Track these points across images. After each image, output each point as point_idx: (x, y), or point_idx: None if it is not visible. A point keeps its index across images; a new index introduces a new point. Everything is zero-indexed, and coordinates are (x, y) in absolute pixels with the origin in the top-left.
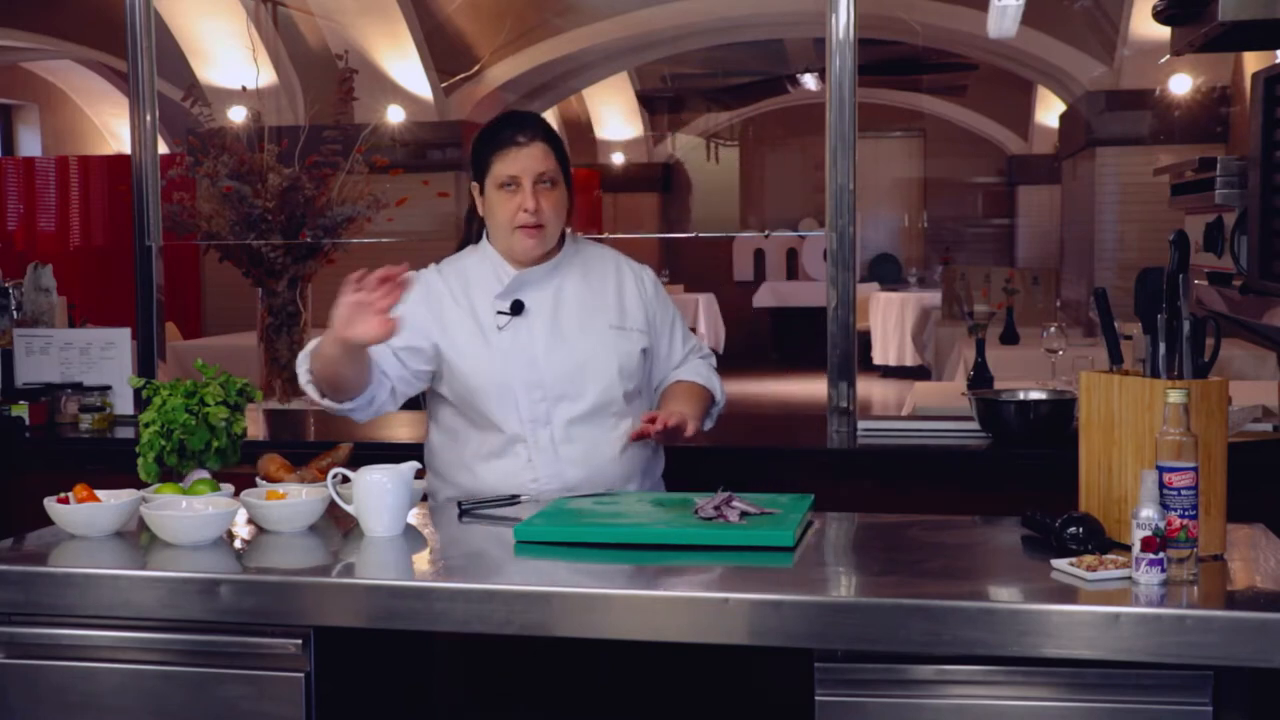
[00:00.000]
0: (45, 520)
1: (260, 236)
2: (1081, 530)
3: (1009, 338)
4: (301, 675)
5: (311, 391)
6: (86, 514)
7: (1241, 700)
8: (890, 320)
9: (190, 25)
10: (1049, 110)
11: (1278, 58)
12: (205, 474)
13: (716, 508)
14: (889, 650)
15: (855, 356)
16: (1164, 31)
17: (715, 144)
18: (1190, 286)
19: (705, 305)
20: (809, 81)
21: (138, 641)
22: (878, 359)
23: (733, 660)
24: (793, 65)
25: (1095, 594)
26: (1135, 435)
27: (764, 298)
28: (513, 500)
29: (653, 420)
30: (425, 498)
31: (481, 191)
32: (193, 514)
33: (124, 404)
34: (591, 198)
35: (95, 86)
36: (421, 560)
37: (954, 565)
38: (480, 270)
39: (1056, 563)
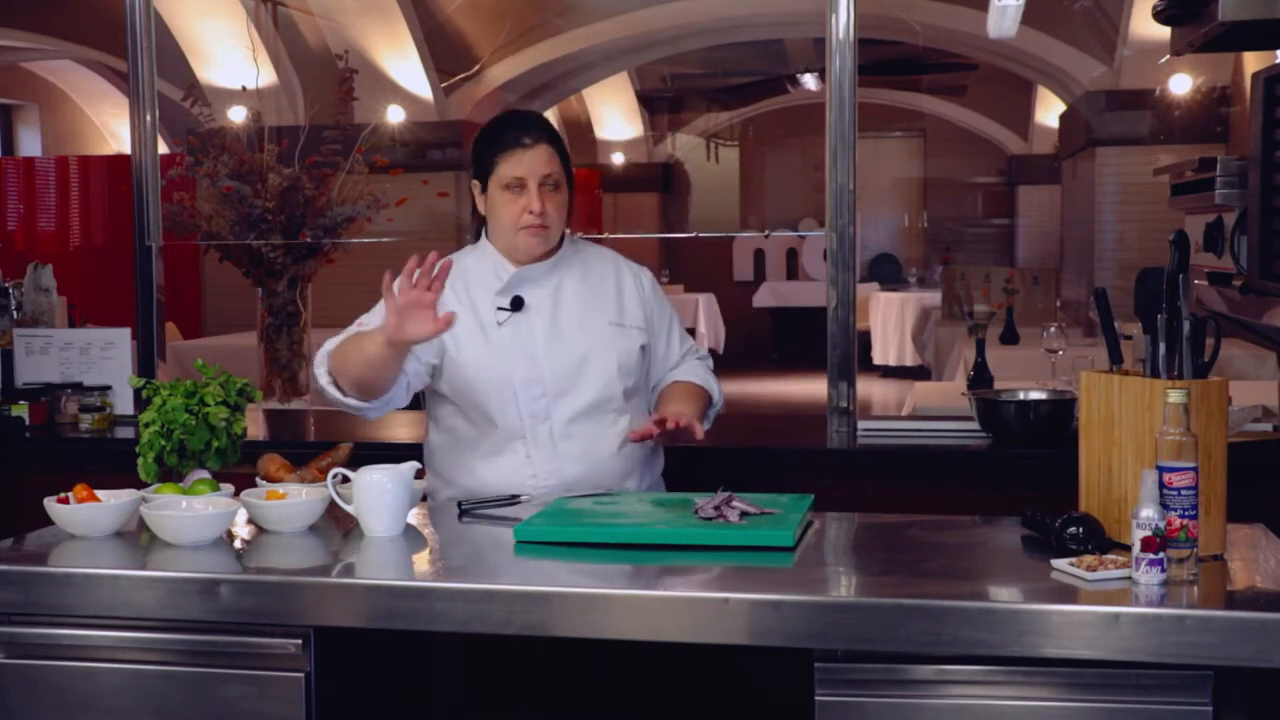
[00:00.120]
0: (45, 520)
1: (260, 236)
2: (1081, 530)
3: (1009, 338)
4: (301, 675)
5: (333, 392)
6: (86, 514)
7: (1241, 700)
8: (890, 320)
9: (190, 25)
10: (1049, 110)
11: (1278, 58)
12: (205, 474)
13: (716, 508)
14: (889, 650)
15: (855, 356)
16: (1164, 31)
17: (715, 144)
18: (1190, 286)
19: (705, 305)
20: (809, 81)
21: (138, 641)
22: (878, 359)
23: (733, 660)
24: (793, 65)
25: (1095, 594)
26: (1135, 435)
27: (764, 298)
28: (513, 500)
29: (662, 421)
30: (425, 498)
31: (483, 190)
32: (193, 514)
33: (124, 404)
34: (591, 198)
35: (95, 86)
36: (421, 560)
37: (954, 565)
38: (480, 268)
39: (1056, 563)
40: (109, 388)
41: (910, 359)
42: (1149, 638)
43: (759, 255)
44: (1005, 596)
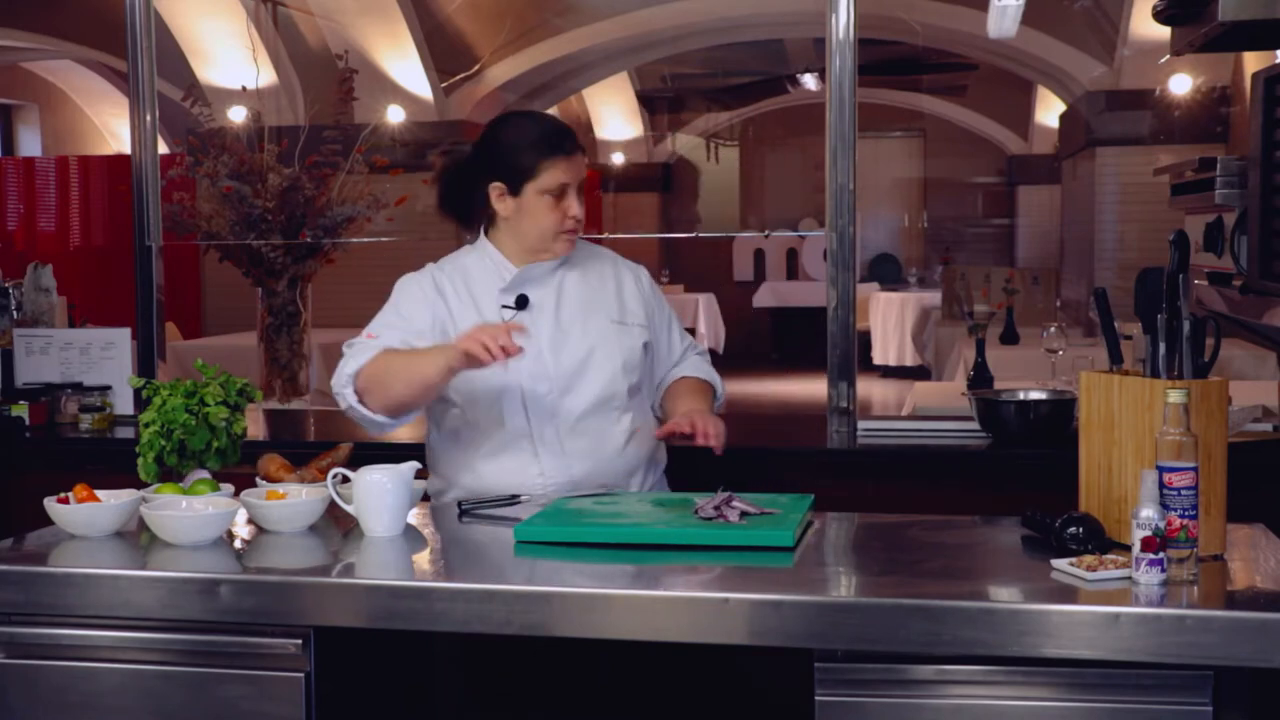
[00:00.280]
0: (45, 520)
1: (260, 236)
2: (1081, 530)
3: (1009, 338)
4: (301, 675)
5: (360, 411)
6: (86, 514)
7: (1241, 700)
8: (890, 320)
9: (190, 25)
10: (1049, 110)
11: (1278, 58)
12: (205, 474)
13: (716, 508)
14: (889, 650)
15: (855, 356)
16: (1164, 31)
17: (715, 144)
18: (1190, 286)
19: (705, 305)
20: (809, 81)
21: (138, 641)
22: (878, 359)
23: (733, 660)
24: (793, 65)
25: (1095, 594)
26: (1135, 435)
27: (764, 298)
28: (513, 500)
29: (691, 429)
30: (427, 497)
31: (513, 193)
32: (193, 514)
33: (124, 404)
34: (591, 198)
35: (95, 86)
36: (421, 560)
37: (954, 565)
38: (480, 267)
39: (1056, 563)
40: (109, 388)
41: (910, 359)
42: (1149, 638)
43: (759, 255)
44: (1005, 596)
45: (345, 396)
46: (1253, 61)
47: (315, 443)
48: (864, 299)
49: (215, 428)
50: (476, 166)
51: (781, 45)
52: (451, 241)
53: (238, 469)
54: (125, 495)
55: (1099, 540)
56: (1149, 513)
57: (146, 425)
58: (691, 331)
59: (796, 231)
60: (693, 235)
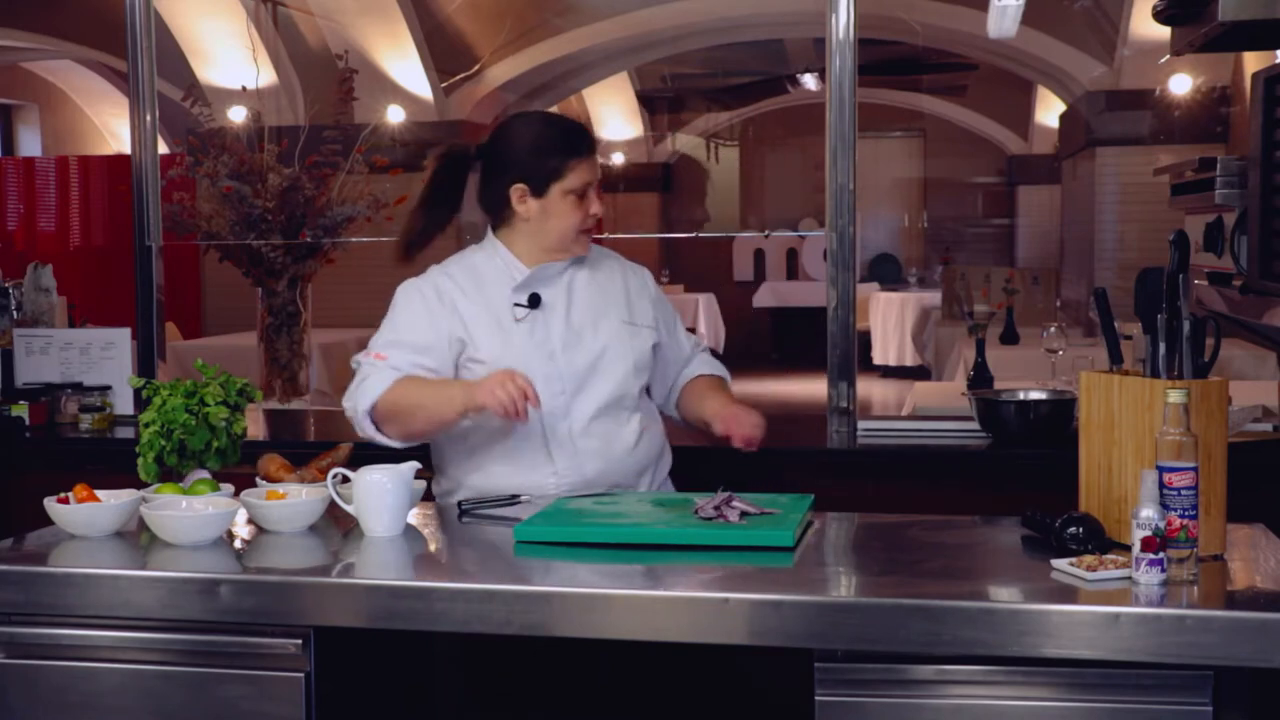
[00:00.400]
0: (45, 520)
1: (260, 236)
2: (1081, 530)
3: (1009, 338)
4: (301, 675)
5: (379, 440)
6: (86, 514)
7: (1241, 700)
8: (890, 320)
9: (190, 25)
10: (1049, 110)
11: (1278, 58)
12: (205, 474)
13: (716, 508)
14: (889, 650)
15: (855, 356)
16: (1164, 31)
17: (715, 144)
18: (1190, 286)
19: (705, 305)
20: (809, 81)
21: (138, 641)
22: (878, 359)
23: (733, 660)
24: (793, 65)
25: (1095, 594)
26: (1135, 435)
27: (764, 298)
28: (513, 500)
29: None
30: (434, 498)
31: (537, 194)
32: (193, 514)
33: (124, 404)
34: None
35: (95, 86)
36: (421, 560)
37: (954, 565)
38: (490, 266)
39: (1056, 563)
40: (109, 388)
41: (910, 359)
42: (1149, 638)
43: (759, 255)
44: (1005, 596)
45: (364, 428)
46: (1253, 61)
47: (315, 443)
48: (864, 299)
49: (215, 428)
50: (493, 169)
51: (781, 45)
52: (450, 241)
53: (238, 469)
54: (125, 495)
55: (1099, 540)
56: (1149, 513)
57: (146, 425)
58: (691, 331)
59: (796, 231)
60: (693, 235)
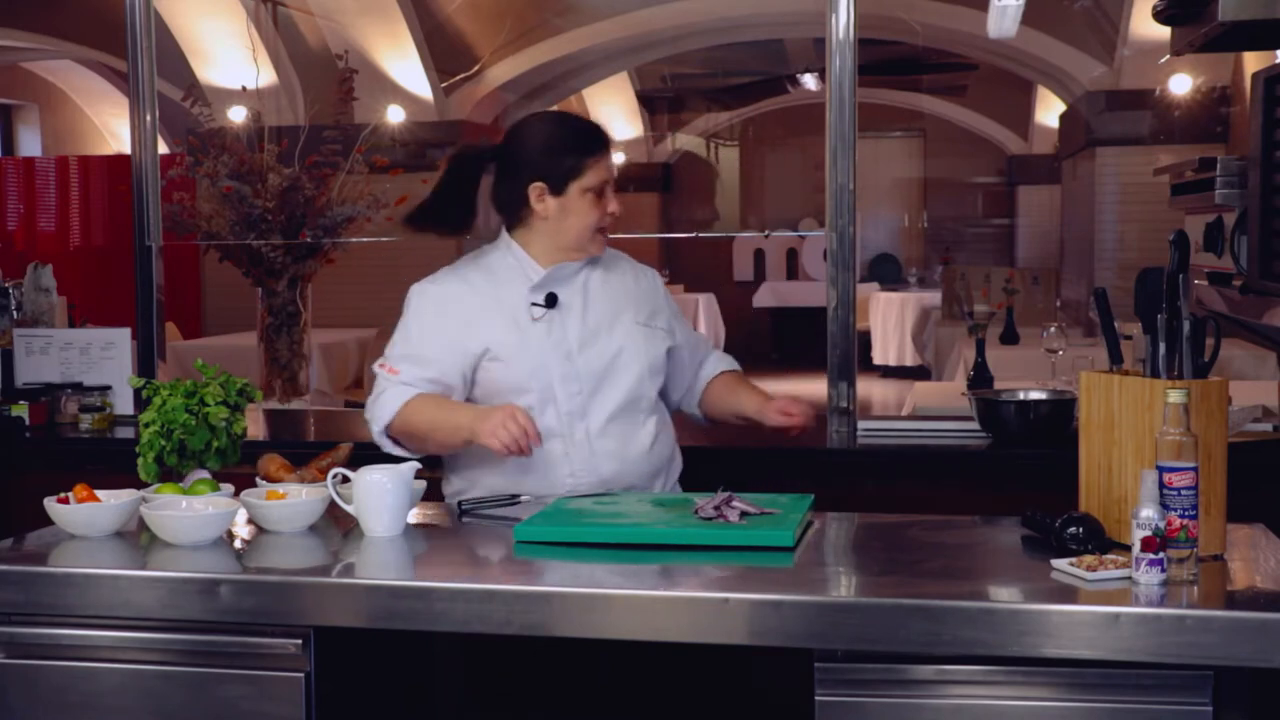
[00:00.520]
0: (45, 520)
1: (260, 236)
2: (1081, 530)
3: (1009, 338)
4: (301, 675)
5: (398, 453)
6: (86, 514)
7: (1241, 700)
8: (890, 320)
9: (190, 25)
10: (1049, 110)
11: (1278, 58)
12: (205, 474)
13: (716, 508)
14: (889, 650)
15: (855, 356)
16: (1164, 31)
17: (715, 144)
18: (1190, 286)
19: (705, 305)
20: (809, 81)
21: (138, 641)
22: (878, 359)
23: (733, 660)
24: (793, 65)
25: (1095, 594)
26: (1135, 435)
27: (764, 298)
28: (513, 500)
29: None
30: (435, 497)
31: (555, 193)
32: (193, 514)
33: (124, 404)
34: None
35: (95, 86)
36: (421, 560)
37: (954, 565)
38: (504, 266)
39: (1056, 563)
40: (109, 388)
41: (910, 359)
42: (1149, 638)
43: (759, 255)
44: (1005, 596)
45: (382, 445)
46: (1253, 61)
47: (315, 443)
48: (864, 299)
49: (215, 428)
50: (510, 168)
51: (781, 45)
52: (451, 241)
53: (238, 469)
54: (125, 495)
55: (1099, 540)
56: (1149, 513)
57: (146, 425)
58: None
59: (796, 231)
60: (693, 235)
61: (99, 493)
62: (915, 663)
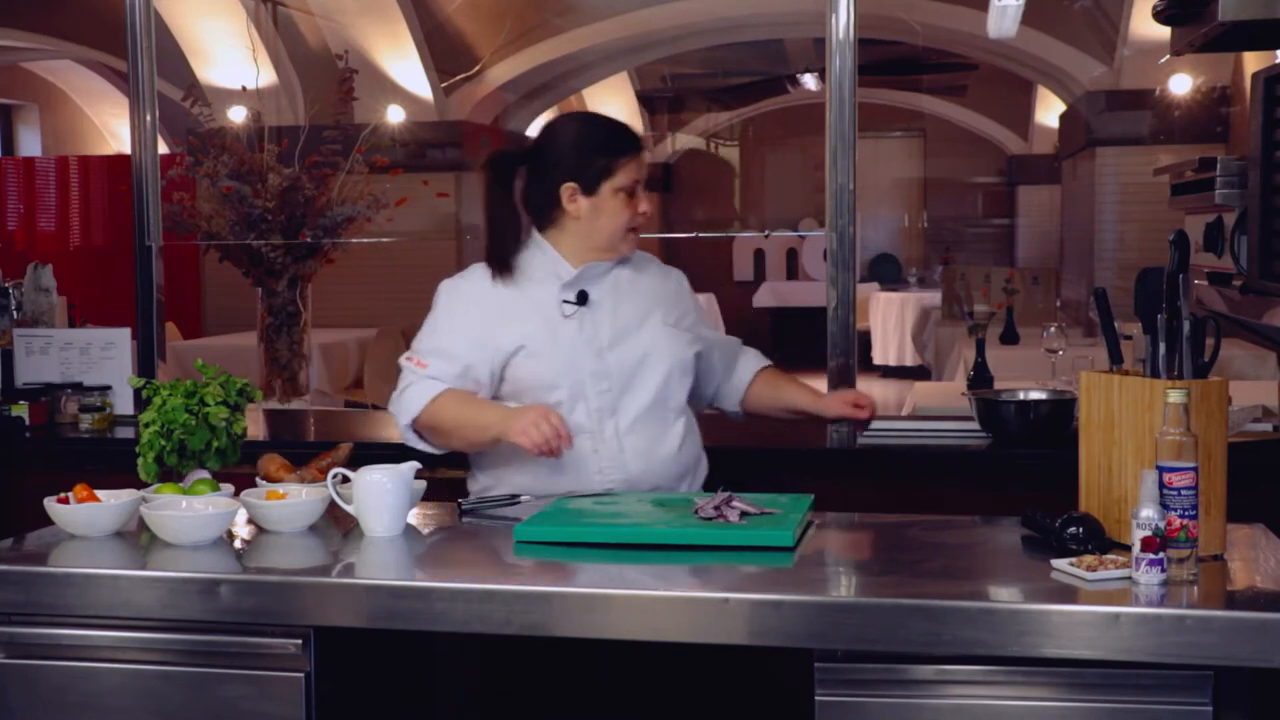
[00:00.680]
0: (45, 520)
1: (260, 236)
2: (1081, 530)
3: (1009, 338)
4: (301, 675)
5: (422, 448)
6: (86, 514)
7: (1241, 700)
8: (890, 320)
9: (190, 25)
10: (1049, 110)
11: (1278, 58)
12: (205, 474)
13: (716, 508)
14: (889, 650)
15: (855, 356)
16: (1164, 31)
17: (715, 144)
18: (1190, 286)
19: (705, 305)
20: (809, 81)
21: (138, 641)
22: (878, 359)
23: (733, 660)
24: (793, 65)
25: (1095, 594)
26: (1135, 435)
27: (764, 298)
28: (513, 500)
29: (860, 407)
30: (445, 497)
31: (588, 192)
32: (193, 514)
33: (124, 404)
34: None
35: (95, 86)
36: (421, 560)
37: (954, 565)
38: (535, 264)
39: (1056, 563)
40: (109, 388)
41: (910, 359)
42: (1149, 638)
43: (759, 255)
44: (1005, 596)
45: (407, 439)
46: (1253, 61)
47: (315, 443)
48: (864, 299)
49: (215, 428)
50: (542, 169)
51: (781, 45)
52: (451, 242)
53: (238, 469)
54: (125, 495)
55: (1099, 540)
56: (1149, 513)
57: (146, 425)
58: None
59: (796, 231)
60: (693, 235)
61: (99, 493)
62: (915, 663)
